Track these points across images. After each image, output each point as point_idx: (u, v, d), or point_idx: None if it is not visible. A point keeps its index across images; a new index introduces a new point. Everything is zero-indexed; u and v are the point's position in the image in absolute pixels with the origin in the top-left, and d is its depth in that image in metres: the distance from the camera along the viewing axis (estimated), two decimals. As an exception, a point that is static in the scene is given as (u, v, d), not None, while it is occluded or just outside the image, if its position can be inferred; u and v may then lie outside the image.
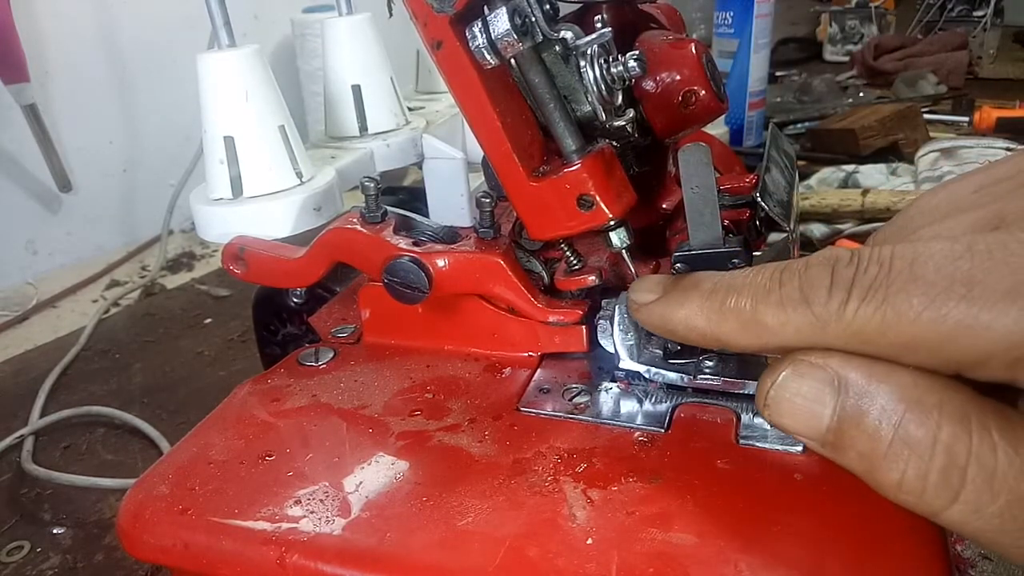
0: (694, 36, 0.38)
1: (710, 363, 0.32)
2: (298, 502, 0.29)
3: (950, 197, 0.24)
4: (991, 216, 0.22)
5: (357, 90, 0.56)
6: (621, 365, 0.33)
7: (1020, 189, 0.22)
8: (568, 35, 0.32)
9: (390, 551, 0.26)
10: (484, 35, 0.30)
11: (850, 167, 0.93)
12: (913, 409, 0.20)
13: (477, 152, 0.35)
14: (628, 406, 0.33)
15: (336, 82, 0.56)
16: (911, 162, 0.94)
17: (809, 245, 0.81)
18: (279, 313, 0.47)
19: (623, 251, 0.34)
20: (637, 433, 0.31)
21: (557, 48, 0.33)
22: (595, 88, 0.32)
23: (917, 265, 0.20)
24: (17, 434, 0.58)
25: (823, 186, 0.91)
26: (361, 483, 0.30)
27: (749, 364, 0.32)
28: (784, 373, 0.22)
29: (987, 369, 0.19)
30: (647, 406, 0.32)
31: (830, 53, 1.77)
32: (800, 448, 0.29)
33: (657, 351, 0.33)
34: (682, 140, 0.38)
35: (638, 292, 0.28)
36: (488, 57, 0.30)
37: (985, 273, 0.19)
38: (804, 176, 0.93)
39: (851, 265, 0.21)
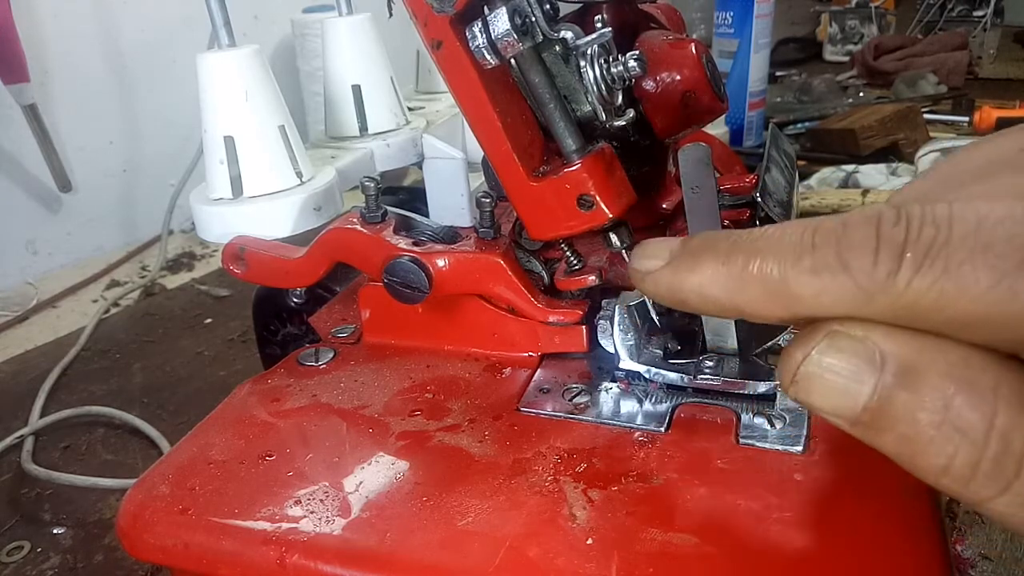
0: (694, 36, 0.38)
1: (710, 363, 0.32)
2: (298, 502, 0.29)
3: (995, 152, 0.22)
4: None
5: (357, 90, 0.56)
6: (621, 365, 0.33)
7: None
8: (568, 35, 0.31)
9: (390, 551, 0.26)
10: (484, 35, 0.30)
11: (850, 167, 0.93)
12: (966, 390, 0.18)
13: (477, 152, 0.35)
14: (628, 406, 0.33)
15: (336, 82, 0.56)
16: (911, 162, 0.94)
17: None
18: (279, 313, 0.47)
19: (623, 251, 0.34)
20: (637, 433, 0.31)
21: (557, 48, 0.33)
22: (595, 88, 0.32)
23: (983, 230, 0.17)
24: (17, 434, 0.58)
25: (823, 186, 0.91)
26: (361, 483, 0.30)
27: (750, 365, 0.32)
28: (819, 346, 0.19)
29: None
30: (647, 406, 0.32)
31: (830, 53, 1.77)
32: (800, 448, 0.29)
33: (657, 351, 0.33)
34: (682, 140, 0.37)
35: (641, 259, 0.24)
36: (488, 57, 0.30)
37: None
38: (804, 176, 0.93)
39: (900, 225, 0.18)
